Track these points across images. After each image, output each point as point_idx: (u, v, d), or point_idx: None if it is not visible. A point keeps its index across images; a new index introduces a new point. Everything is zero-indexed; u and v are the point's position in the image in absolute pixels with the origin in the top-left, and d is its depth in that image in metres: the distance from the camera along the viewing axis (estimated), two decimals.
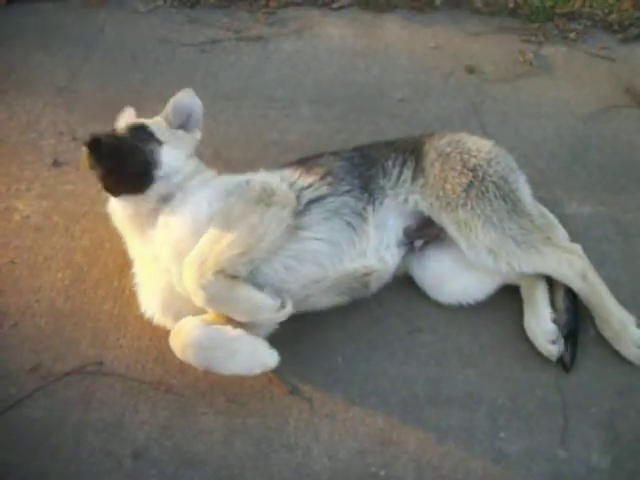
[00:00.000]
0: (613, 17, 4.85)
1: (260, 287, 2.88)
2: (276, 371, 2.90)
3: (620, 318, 3.06)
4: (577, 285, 3.08)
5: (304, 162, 3.30)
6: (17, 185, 3.81)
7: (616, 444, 2.86)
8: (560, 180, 3.82)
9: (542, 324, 3.06)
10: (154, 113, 4.16)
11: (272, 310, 2.82)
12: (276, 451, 2.87)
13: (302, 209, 3.06)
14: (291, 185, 3.11)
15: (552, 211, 3.44)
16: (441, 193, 3.14)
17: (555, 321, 3.07)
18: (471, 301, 3.25)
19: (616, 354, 3.08)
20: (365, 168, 3.25)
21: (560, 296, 3.15)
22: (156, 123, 3.28)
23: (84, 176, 3.47)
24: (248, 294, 2.79)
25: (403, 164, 3.26)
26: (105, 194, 3.08)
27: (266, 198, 2.93)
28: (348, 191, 3.14)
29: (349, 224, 3.08)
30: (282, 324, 2.95)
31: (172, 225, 2.96)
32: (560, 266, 3.07)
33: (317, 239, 3.03)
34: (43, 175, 3.86)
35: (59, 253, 3.51)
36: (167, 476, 2.81)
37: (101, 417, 2.96)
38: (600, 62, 4.57)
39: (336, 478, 2.80)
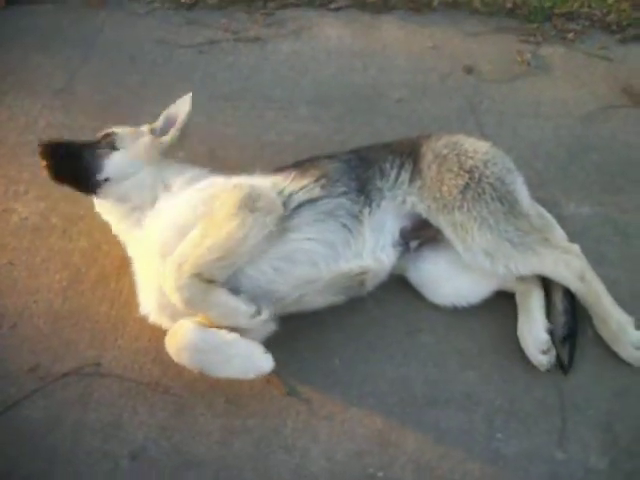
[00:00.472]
0: (611, 17, 4.85)
1: (245, 289, 2.90)
2: (274, 372, 2.89)
3: (618, 319, 3.05)
4: (575, 286, 3.07)
5: (300, 165, 3.30)
6: (15, 187, 3.82)
7: (614, 446, 2.86)
8: (558, 180, 3.82)
9: (534, 333, 3.05)
10: (152, 114, 4.17)
11: (246, 316, 2.82)
12: (274, 452, 2.87)
13: (292, 211, 3.05)
14: (281, 191, 3.10)
15: (550, 212, 3.44)
16: (438, 195, 3.14)
17: (550, 331, 3.06)
18: (465, 304, 3.24)
19: (615, 356, 3.07)
20: (362, 170, 3.24)
21: (559, 297, 3.14)
22: (126, 131, 3.38)
23: None
24: (223, 299, 2.80)
25: (401, 166, 3.25)
26: None
27: (250, 203, 2.92)
28: (344, 193, 3.14)
29: (344, 226, 3.08)
30: (280, 325, 2.97)
31: (157, 228, 3.01)
32: (557, 267, 3.06)
33: (309, 239, 3.02)
34: (41, 177, 3.83)
35: (57, 255, 3.52)
36: (165, 477, 2.81)
37: (99, 418, 2.96)
38: (598, 62, 4.57)
39: (334, 479, 2.80)
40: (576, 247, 3.18)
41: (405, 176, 3.23)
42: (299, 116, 4.21)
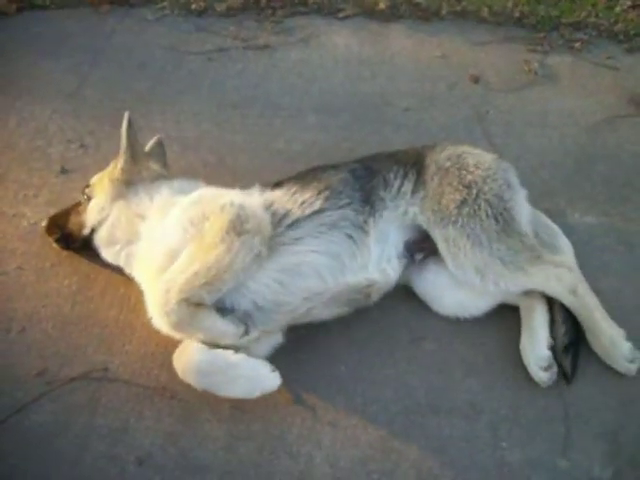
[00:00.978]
0: (619, 27, 4.88)
1: (248, 303, 2.93)
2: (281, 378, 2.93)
3: (609, 333, 3.05)
4: (567, 300, 3.08)
5: (303, 177, 3.29)
6: (25, 191, 3.84)
7: (618, 455, 2.87)
8: (564, 190, 3.84)
9: (537, 349, 3.05)
10: (161, 120, 4.24)
11: (235, 337, 2.85)
12: (279, 458, 2.89)
13: (291, 226, 3.06)
14: (276, 210, 3.09)
15: (555, 221, 3.47)
16: (436, 207, 3.15)
17: (551, 345, 3.06)
18: (467, 316, 3.25)
19: None
20: (366, 180, 3.25)
21: (557, 306, 3.14)
22: (98, 176, 3.46)
23: None
24: (210, 322, 2.82)
25: (404, 176, 3.26)
26: None
27: (238, 226, 2.91)
28: (348, 204, 3.15)
29: (349, 237, 3.09)
30: (286, 333, 3.01)
31: (151, 254, 3.05)
32: (549, 282, 3.06)
33: (313, 252, 3.03)
34: (51, 182, 3.90)
35: (66, 260, 3.54)
36: None
37: (106, 423, 2.98)
38: (605, 72, 4.59)
39: None
40: (570, 260, 3.19)
41: (408, 186, 3.24)
42: (307, 124, 4.24)
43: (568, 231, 3.48)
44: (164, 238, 3.01)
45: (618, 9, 4.97)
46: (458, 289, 3.19)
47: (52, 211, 3.68)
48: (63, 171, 3.95)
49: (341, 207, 3.13)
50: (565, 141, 4.12)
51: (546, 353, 3.02)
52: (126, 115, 3.29)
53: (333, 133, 4.19)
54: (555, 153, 4.05)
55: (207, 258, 2.83)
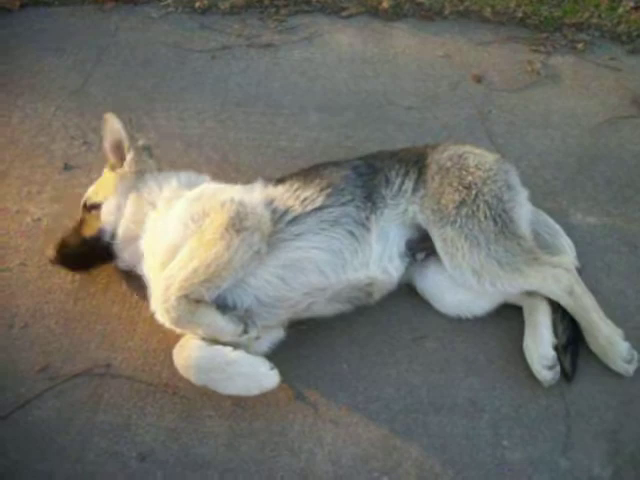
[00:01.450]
0: (621, 28, 4.88)
1: (249, 299, 2.95)
2: (281, 376, 2.93)
3: (606, 333, 3.06)
4: (564, 300, 3.08)
5: (305, 173, 3.31)
6: (28, 188, 3.85)
7: (618, 454, 2.88)
8: (566, 190, 3.85)
9: (540, 348, 3.05)
10: (165, 118, 4.24)
11: (234, 335, 2.85)
12: (280, 455, 2.89)
13: (292, 222, 3.07)
14: (275, 207, 3.11)
15: (558, 221, 3.48)
16: (436, 207, 3.16)
17: (554, 345, 3.07)
18: (469, 315, 3.27)
19: None
20: (369, 178, 3.26)
21: (555, 306, 3.14)
22: (97, 181, 3.43)
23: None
24: (210, 319, 2.83)
25: (405, 175, 3.27)
26: None
27: (237, 223, 2.93)
28: (350, 201, 3.16)
29: (351, 233, 3.10)
30: (288, 330, 3.01)
31: (153, 248, 3.06)
32: (546, 283, 3.07)
33: (315, 248, 3.04)
34: (54, 178, 3.91)
35: None
36: (173, 478, 2.83)
37: (108, 419, 2.99)
38: (608, 73, 4.60)
39: None
40: (567, 260, 3.19)
41: (409, 185, 3.25)
42: (310, 122, 4.25)
43: (570, 231, 3.49)
44: (166, 234, 3.02)
45: (621, 10, 4.98)
46: (460, 289, 3.19)
47: (56, 208, 3.69)
48: (66, 168, 3.96)
49: (343, 204, 3.14)
50: (567, 141, 4.13)
51: (550, 352, 3.02)
52: (109, 115, 3.32)
53: (336, 131, 4.20)
54: (557, 153, 4.06)
55: (206, 255, 2.85)
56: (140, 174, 3.31)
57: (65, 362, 3.17)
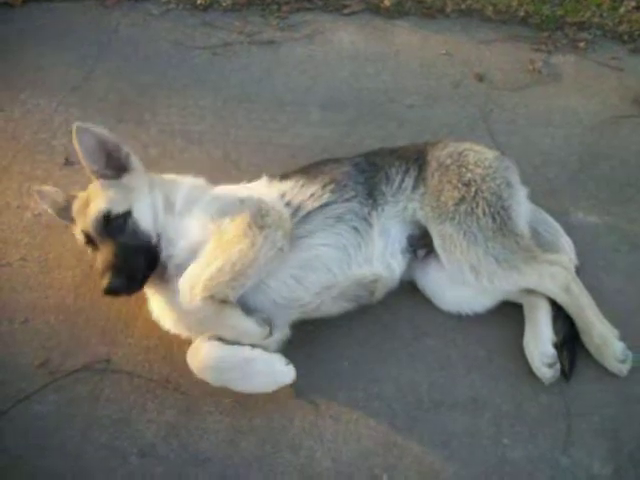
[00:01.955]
0: (623, 27, 4.88)
1: (268, 301, 2.95)
2: None
3: (601, 331, 3.06)
4: (560, 298, 3.09)
5: (307, 170, 3.32)
6: (29, 183, 3.85)
7: (619, 452, 2.88)
8: (567, 189, 3.84)
9: (541, 346, 3.05)
10: (166, 114, 4.23)
11: (259, 337, 2.85)
12: (280, 452, 2.90)
13: (304, 219, 3.08)
14: (290, 201, 3.12)
15: (558, 220, 3.48)
16: (435, 204, 3.17)
17: (555, 343, 3.07)
18: (470, 312, 3.27)
19: None
20: (370, 174, 3.27)
21: (550, 304, 3.15)
22: (103, 194, 3.05)
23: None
24: (236, 320, 2.82)
25: (406, 172, 3.28)
26: None
27: (259, 220, 2.91)
28: (353, 197, 3.17)
29: (355, 229, 3.11)
30: (291, 328, 3.02)
31: (177, 253, 2.99)
32: (542, 280, 3.07)
33: (323, 245, 3.05)
34: (55, 174, 3.91)
35: (69, 251, 3.55)
36: (173, 474, 2.84)
37: (109, 414, 3.00)
38: (609, 72, 4.59)
39: None
40: (565, 258, 3.19)
41: (409, 182, 3.26)
42: (312, 120, 4.25)
43: (571, 230, 3.50)
44: (185, 235, 2.99)
45: (623, 10, 4.97)
46: (461, 286, 3.19)
47: None
48: (67, 163, 3.96)
49: (347, 200, 3.15)
50: (569, 140, 4.13)
51: (550, 350, 3.03)
52: (76, 126, 3.02)
53: (337, 128, 4.19)
54: (559, 152, 4.05)
55: (230, 253, 2.82)
56: (146, 175, 3.17)
57: (65, 357, 3.17)
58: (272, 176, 3.31)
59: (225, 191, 3.20)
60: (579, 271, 3.26)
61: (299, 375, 2.98)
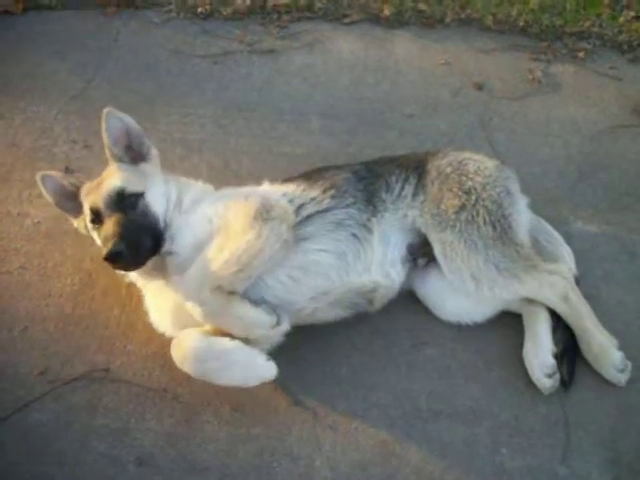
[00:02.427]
0: (622, 37, 4.89)
1: (264, 300, 2.94)
2: (280, 381, 2.94)
3: (600, 341, 3.06)
4: (559, 307, 3.09)
5: (309, 175, 3.34)
6: (29, 191, 3.85)
7: (617, 463, 2.87)
8: (566, 198, 3.85)
9: (541, 356, 3.05)
10: (166, 123, 4.24)
11: (267, 327, 2.85)
12: (279, 461, 2.89)
13: (305, 221, 3.10)
14: (292, 200, 3.15)
15: (557, 229, 3.49)
16: (435, 212, 3.17)
17: (554, 354, 3.07)
18: (470, 322, 3.27)
19: None
20: (369, 182, 3.28)
21: (551, 311, 3.15)
22: (120, 174, 3.14)
23: None
24: (244, 310, 2.82)
25: (405, 180, 3.29)
26: None
27: (264, 213, 2.95)
28: (352, 203, 3.18)
29: (354, 235, 3.12)
30: (288, 335, 2.98)
31: (179, 251, 3.02)
32: (542, 290, 3.08)
33: (322, 250, 3.06)
34: None
35: (69, 259, 3.56)
36: None
37: (107, 423, 2.99)
38: (608, 82, 4.60)
39: None
40: (564, 268, 3.19)
41: (408, 190, 3.26)
42: (311, 129, 4.25)
43: (570, 239, 3.50)
44: (192, 230, 3.02)
45: (622, 19, 4.98)
46: (461, 295, 3.19)
47: (56, 211, 3.59)
48: (68, 171, 3.94)
49: (347, 206, 3.17)
50: (568, 149, 4.14)
51: (550, 360, 3.03)
52: (108, 110, 3.14)
53: (337, 138, 4.20)
54: (558, 161, 4.06)
55: (237, 245, 2.86)
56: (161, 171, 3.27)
57: (64, 365, 3.17)
58: (273, 181, 3.34)
59: (229, 190, 3.25)
60: (578, 280, 3.25)
61: (297, 383, 3.00)
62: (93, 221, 3.08)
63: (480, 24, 4.98)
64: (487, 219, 3.12)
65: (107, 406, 3.04)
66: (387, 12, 4.98)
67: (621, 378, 3.04)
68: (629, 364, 3.05)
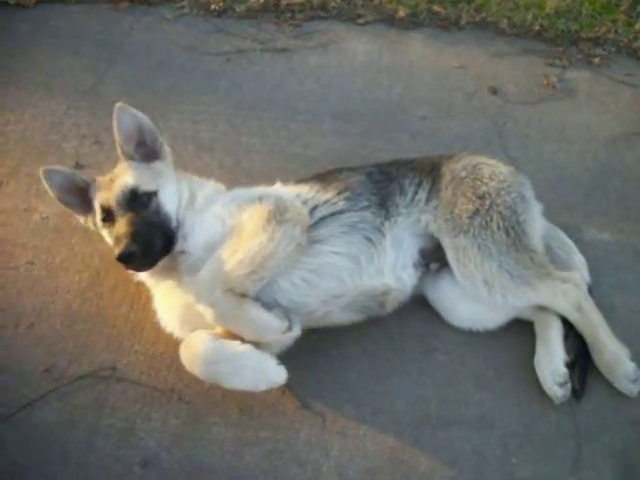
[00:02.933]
0: (638, 44, 4.85)
1: (276, 303, 2.91)
2: (289, 385, 2.90)
3: (613, 350, 3.02)
4: (572, 316, 3.06)
5: (323, 177, 3.32)
6: (38, 186, 3.80)
7: (628, 474, 2.84)
8: (580, 205, 3.81)
9: (553, 365, 3.02)
10: (178, 120, 4.21)
11: (278, 331, 2.81)
12: (286, 465, 2.86)
13: (319, 223, 3.07)
14: (306, 201, 3.12)
15: (571, 237, 3.45)
16: (449, 217, 3.14)
17: (567, 364, 3.03)
18: (481, 329, 3.23)
19: None
20: (383, 185, 3.26)
21: (563, 320, 3.12)
22: (132, 172, 3.11)
23: None
24: (256, 314, 2.78)
25: (419, 184, 3.26)
26: None
27: (278, 215, 2.93)
28: (366, 207, 3.15)
29: (368, 239, 3.09)
30: (298, 339, 2.94)
31: (192, 250, 3.00)
32: (555, 298, 3.05)
33: (335, 253, 3.03)
34: None
35: (77, 256, 3.54)
36: None
37: (112, 423, 2.97)
38: (623, 88, 4.57)
39: None
40: (577, 276, 3.15)
41: (422, 194, 3.24)
42: (324, 130, 4.22)
43: (584, 247, 3.46)
44: (204, 230, 3.00)
45: (638, 26, 4.94)
46: (473, 302, 3.16)
47: (64, 207, 3.59)
48: (77, 166, 3.93)
49: (361, 209, 3.14)
50: (582, 156, 4.10)
51: (562, 369, 2.99)
52: (120, 105, 3.10)
53: (349, 139, 4.17)
54: (572, 168, 4.02)
55: (250, 246, 2.83)
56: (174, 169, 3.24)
57: (70, 363, 3.15)
58: (286, 181, 3.32)
59: (243, 190, 3.22)
60: (591, 289, 3.21)
61: (306, 387, 2.98)
62: (104, 219, 3.05)
63: (495, 28, 4.94)
64: (501, 225, 3.08)
65: (113, 405, 3.02)
66: (402, 13, 4.94)
67: (633, 389, 3.00)
68: None
